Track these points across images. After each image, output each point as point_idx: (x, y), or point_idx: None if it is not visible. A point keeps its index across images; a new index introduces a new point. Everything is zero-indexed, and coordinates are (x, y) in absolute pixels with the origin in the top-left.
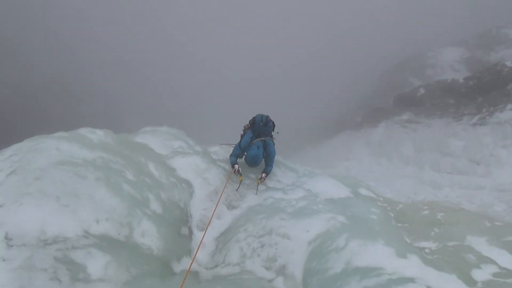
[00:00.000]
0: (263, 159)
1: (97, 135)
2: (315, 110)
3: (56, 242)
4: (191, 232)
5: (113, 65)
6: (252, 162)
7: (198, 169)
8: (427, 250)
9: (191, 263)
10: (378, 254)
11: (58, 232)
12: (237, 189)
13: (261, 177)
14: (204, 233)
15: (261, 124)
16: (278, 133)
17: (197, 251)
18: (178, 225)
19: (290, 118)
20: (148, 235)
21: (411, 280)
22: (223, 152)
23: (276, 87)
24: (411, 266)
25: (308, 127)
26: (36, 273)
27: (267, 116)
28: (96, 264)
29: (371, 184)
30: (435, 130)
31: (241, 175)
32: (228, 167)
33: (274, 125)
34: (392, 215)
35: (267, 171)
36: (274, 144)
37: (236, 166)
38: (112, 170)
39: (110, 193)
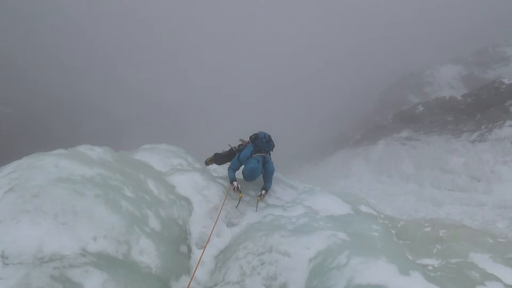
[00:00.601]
0: (261, 175)
1: (96, 152)
2: (315, 128)
3: (53, 260)
4: (190, 250)
5: (113, 83)
6: (250, 176)
7: (198, 186)
8: (430, 267)
9: (190, 281)
10: (380, 272)
11: (55, 250)
12: (236, 206)
13: (261, 194)
14: (203, 251)
15: (264, 140)
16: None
17: (195, 269)
18: (177, 243)
19: (289, 136)
20: (147, 253)
21: None
22: (222, 169)
23: (276, 105)
24: (414, 284)
25: (308, 145)
26: None
27: (270, 135)
28: (93, 282)
29: (372, 201)
30: (434, 147)
31: (240, 192)
32: (227, 183)
33: (274, 146)
34: (394, 232)
35: (266, 187)
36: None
37: (235, 183)
38: (111, 187)
39: (108, 211)
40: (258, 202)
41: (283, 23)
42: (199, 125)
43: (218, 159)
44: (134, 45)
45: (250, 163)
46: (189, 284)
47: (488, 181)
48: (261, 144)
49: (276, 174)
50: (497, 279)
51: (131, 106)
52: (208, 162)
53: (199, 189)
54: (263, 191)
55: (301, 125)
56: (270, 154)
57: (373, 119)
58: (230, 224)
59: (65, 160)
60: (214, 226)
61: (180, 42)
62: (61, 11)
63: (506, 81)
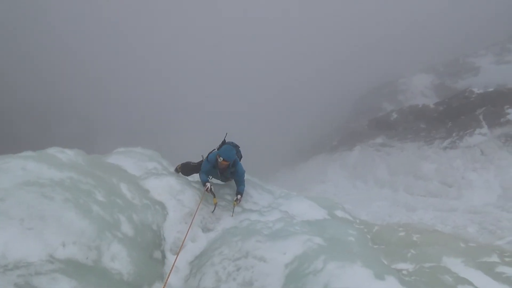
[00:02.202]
0: (233, 181)
1: (67, 155)
2: (292, 135)
3: (18, 268)
4: (164, 256)
5: (88, 86)
6: (226, 152)
7: (173, 190)
8: (404, 272)
9: None
10: (356, 276)
11: (20, 256)
12: (212, 211)
13: (237, 198)
14: (176, 257)
15: (231, 144)
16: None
17: (168, 275)
18: (151, 249)
19: (266, 142)
20: (118, 259)
21: None
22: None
23: (253, 111)
24: None
25: (285, 151)
26: None
27: (238, 145)
28: None
29: (348, 206)
30: (408, 153)
31: (214, 196)
32: (203, 189)
33: (241, 156)
34: (369, 236)
35: (240, 191)
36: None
37: (208, 184)
38: (82, 191)
39: (78, 215)
40: (234, 206)
41: (262, 36)
42: (177, 129)
43: (186, 169)
44: (111, 47)
45: (223, 148)
46: None
47: (459, 187)
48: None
49: (253, 179)
50: (469, 283)
51: (106, 109)
52: (178, 170)
53: (174, 193)
54: (239, 196)
55: (280, 132)
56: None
57: (349, 126)
58: (205, 229)
59: (33, 162)
60: (188, 231)
61: (159, 44)
62: (37, 11)
63: (476, 90)
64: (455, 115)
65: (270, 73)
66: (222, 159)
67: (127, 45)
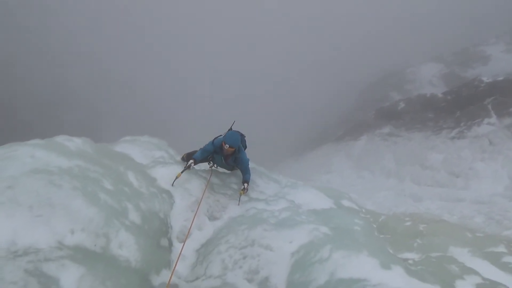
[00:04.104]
0: (239, 170)
1: (75, 143)
2: (297, 125)
3: (27, 254)
4: (171, 243)
5: (96, 76)
6: (231, 137)
7: (180, 179)
8: (410, 261)
9: (171, 276)
10: (362, 266)
11: (29, 243)
12: (172, 184)
13: (244, 187)
14: (183, 245)
15: (238, 132)
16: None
17: (176, 263)
18: (158, 237)
19: (271, 133)
20: (126, 247)
21: None
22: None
23: (259, 102)
24: (396, 277)
25: (289, 142)
26: (5, 286)
27: (244, 135)
28: (70, 276)
29: (353, 196)
30: (415, 143)
31: (182, 172)
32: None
33: (246, 146)
34: (375, 226)
35: (246, 179)
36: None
37: (192, 161)
38: (90, 179)
39: (86, 203)
40: (240, 195)
41: (269, 23)
42: (185, 119)
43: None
44: (119, 38)
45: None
46: (170, 278)
47: (466, 177)
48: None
49: (259, 169)
50: (476, 273)
51: (113, 98)
52: (184, 159)
53: (181, 182)
54: (245, 184)
55: (286, 123)
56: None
57: (356, 116)
58: (212, 218)
59: (42, 150)
60: (193, 219)
61: (165, 36)
62: (44, 3)
63: (485, 79)
64: (463, 104)
65: (276, 62)
66: (228, 146)
67: (136, 36)
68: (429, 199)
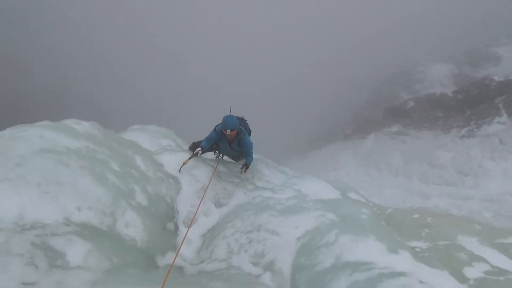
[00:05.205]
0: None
1: (83, 126)
2: (305, 123)
3: (34, 228)
4: (177, 228)
5: (101, 70)
6: (228, 120)
7: (187, 165)
8: (417, 249)
9: (175, 256)
10: (369, 249)
11: (37, 218)
12: (179, 170)
13: (242, 166)
14: (189, 227)
15: (237, 119)
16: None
17: (181, 244)
18: (164, 220)
19: (279, 130)
20: (132, 226)
21: (403, 274)
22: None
23: (267, 100)
24: (403, 262)
25: (297, 139)
26: (11, 257)
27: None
28: (76, 251)
29: (361, 191)
30: (423, 142)
31: (189, 158)
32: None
33: (250, 131)
34: (382, 218)
35: (247, 162)
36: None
37: (199, 149)
38: (98, 160)
39: (94, 182)
40: (241, 174)
41: (278, 21)
42: (192, 111)
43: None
44: (124, 39)
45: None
46: (174, 259)
47: (475, 176)
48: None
49: (266, 160)
50: (485, 261)
51: (120, 97)
52: (191, 148)
53: (188, 168)
54: (245, 167)
55: (294, 120)
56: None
57: (364, 115)
58: (218, 204)
59: (50, 131)
60: (200, 203)
61: (172, 28)
62: (53, 3)
63: (496, 78)
64: (474, 103)
65: (285, 60)
66: (229, 130)
67: (142, 36)
68: (437, 197)
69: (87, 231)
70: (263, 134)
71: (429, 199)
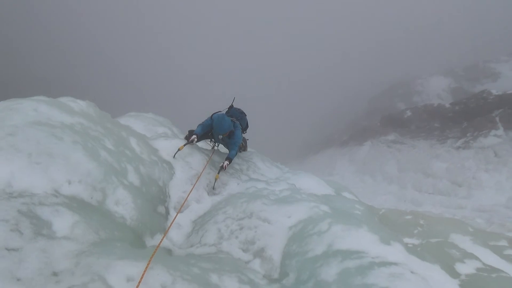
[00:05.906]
0: (242, 152)
1: (79, 104)
2: (303, 129)
3: (22, 196)
4: (167, 212)
5: (100, 63)
6: (218, 121)
7: (181, 152)
8: (410, 245)
9: (164, 236)
10: (361, 239)
11: (25, 187)
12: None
13: (223, 165)
14: (179, 210)
15: (238, 110)
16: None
17: (170, 225)
18: (155, 203)
19: (278, 134)
20: (123, 205)
21: (394, 264)
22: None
23: (267, 104)
24: (395, 253)
25: (295, 144)
26: None
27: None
28: (63, 222)
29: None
30: (419, 151)
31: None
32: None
33: (247, 124)
34: (376, 217)
35: (230, 156)
36: (242, 133)
37: (194, 136)
38: (91, 136)
39: (86, 157)
40: (216, 180)
41: (279, 29)
42: (192, 117)
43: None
44: (128, 40)
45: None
46: (162, 239)
47: (469, 186)
48: (234, 112)
49: (262, 156)
50: (477, 258)
51: (122, 95)
52: (187, 137)
53: (182, 155)
54: (226, 162)
55: (291, 126)
56: (241, 126)
57: (362, 123)
58: (211, 193)
59: (45, 106)
60: (191, 189)
61: (174, 35)
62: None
63: (494, 92)
64: (471, 115)
65: (286, 66)
66: (221, 136)
67: (144, 35)
68: (430, 205)
69: (75, 204)
70: (263, 138)
71: (422, 206)
